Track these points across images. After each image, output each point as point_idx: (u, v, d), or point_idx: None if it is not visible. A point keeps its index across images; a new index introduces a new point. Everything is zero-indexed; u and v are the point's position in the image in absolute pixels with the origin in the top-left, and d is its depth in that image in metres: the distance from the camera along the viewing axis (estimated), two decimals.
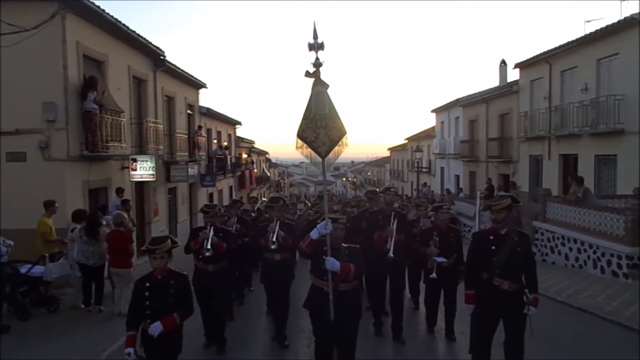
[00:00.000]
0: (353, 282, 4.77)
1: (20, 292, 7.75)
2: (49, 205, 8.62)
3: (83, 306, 8.29)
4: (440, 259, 6.42)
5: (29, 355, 6.23)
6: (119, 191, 11.45)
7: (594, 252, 10.81)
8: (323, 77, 4.94)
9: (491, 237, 4.75)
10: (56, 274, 7.94)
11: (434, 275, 6.42)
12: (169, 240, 4.36)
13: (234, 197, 22.92)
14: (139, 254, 9.55)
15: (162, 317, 4.14)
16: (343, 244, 4.82)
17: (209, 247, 5.96)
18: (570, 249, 11.79)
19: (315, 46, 4.84)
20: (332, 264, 4.52)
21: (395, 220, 6.59)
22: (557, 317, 7.60)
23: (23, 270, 7.76)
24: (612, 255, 10.18)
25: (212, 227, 6.15)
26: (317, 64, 4.90)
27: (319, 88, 4.89)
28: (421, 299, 7.95)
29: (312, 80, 4.93)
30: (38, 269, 7.84)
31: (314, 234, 4.65)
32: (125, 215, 8.57)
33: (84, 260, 8.07)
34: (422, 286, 7.79)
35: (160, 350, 4.19)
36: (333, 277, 4.59)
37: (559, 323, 7.33)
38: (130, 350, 4.02)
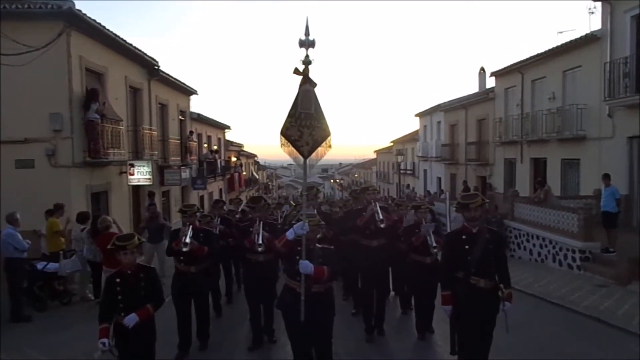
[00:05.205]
0: (326, 284, 4.68)
1: (37, 286, 8.56)
2: (59, 208, 9.46)
3: (93, 298, 9.10)
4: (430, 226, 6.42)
5: (47, 340, 7.04)
6: (150, 195, 13.14)
7: (553, 247, 11.85)
8: (312, 75, 4.78)
9: (464, 237, 4.69)
10: (69, 269, 8.76)
11: (434, 248, 6.30)
12: (136, 237, 4.51)
13: (223, 199, 23.69)
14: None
15: (135, 309, 4.29)
16: (317, 245, 4.74)
17: (187, 241, 5.86)
18: (534, 245, 12.85)
19: (307, 43, 4.64)
20: (305, 267, 4.42)
21: (377, 203, 6.53)
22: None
23: (39, 266, 8.63)
24: (567, 250, 11.21)
25: (191, 227, 6.08)
26: (307, 62, 4.72)
27: (307, 86, 4.74)
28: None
29: (300, 77, 4.78)
30: (53, 266, 8.69)
31: (290, 234, 4.58)
32: (110, 219, 8.84)
33: (92, 258, 8.87)
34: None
35: (136, 341, 4.34)
36: (306, 278, 4.51)
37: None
38: (105, 340, 4.18)
